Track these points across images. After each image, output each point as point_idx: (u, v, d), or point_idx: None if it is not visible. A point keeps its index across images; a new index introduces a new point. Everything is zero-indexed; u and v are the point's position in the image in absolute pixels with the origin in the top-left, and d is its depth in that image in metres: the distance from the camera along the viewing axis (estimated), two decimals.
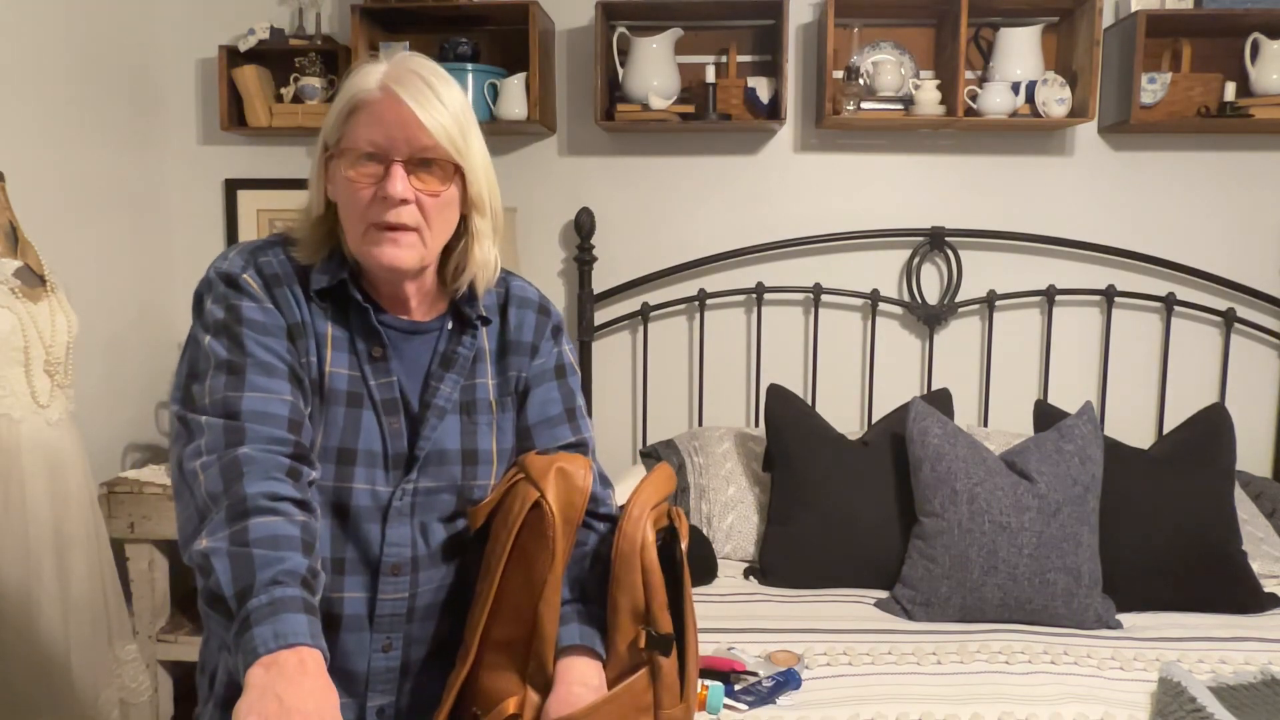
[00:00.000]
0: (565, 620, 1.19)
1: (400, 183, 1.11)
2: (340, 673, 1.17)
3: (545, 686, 1.16)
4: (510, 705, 1.15)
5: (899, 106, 2.69)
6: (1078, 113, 2.61)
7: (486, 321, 1.26)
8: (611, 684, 1.17)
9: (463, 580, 1.24)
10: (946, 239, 2.81)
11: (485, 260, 1.22)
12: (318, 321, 1.18)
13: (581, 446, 1.29)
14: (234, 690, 1.08)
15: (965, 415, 2.81)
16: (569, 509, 1.15)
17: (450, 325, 1.25)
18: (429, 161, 1.13)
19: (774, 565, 2.30)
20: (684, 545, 1.20)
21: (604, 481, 1.30)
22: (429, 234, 1.16)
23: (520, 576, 1.15)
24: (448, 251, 1.22)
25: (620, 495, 1.29)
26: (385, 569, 1.18)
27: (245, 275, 1.16)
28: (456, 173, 1.16)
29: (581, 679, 1.15)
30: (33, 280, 2.02)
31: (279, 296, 1.16)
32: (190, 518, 1.05)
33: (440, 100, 1.13)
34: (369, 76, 1.14)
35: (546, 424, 1.28)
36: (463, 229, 1.21)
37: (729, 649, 1.91)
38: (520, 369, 1.28)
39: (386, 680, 1.21)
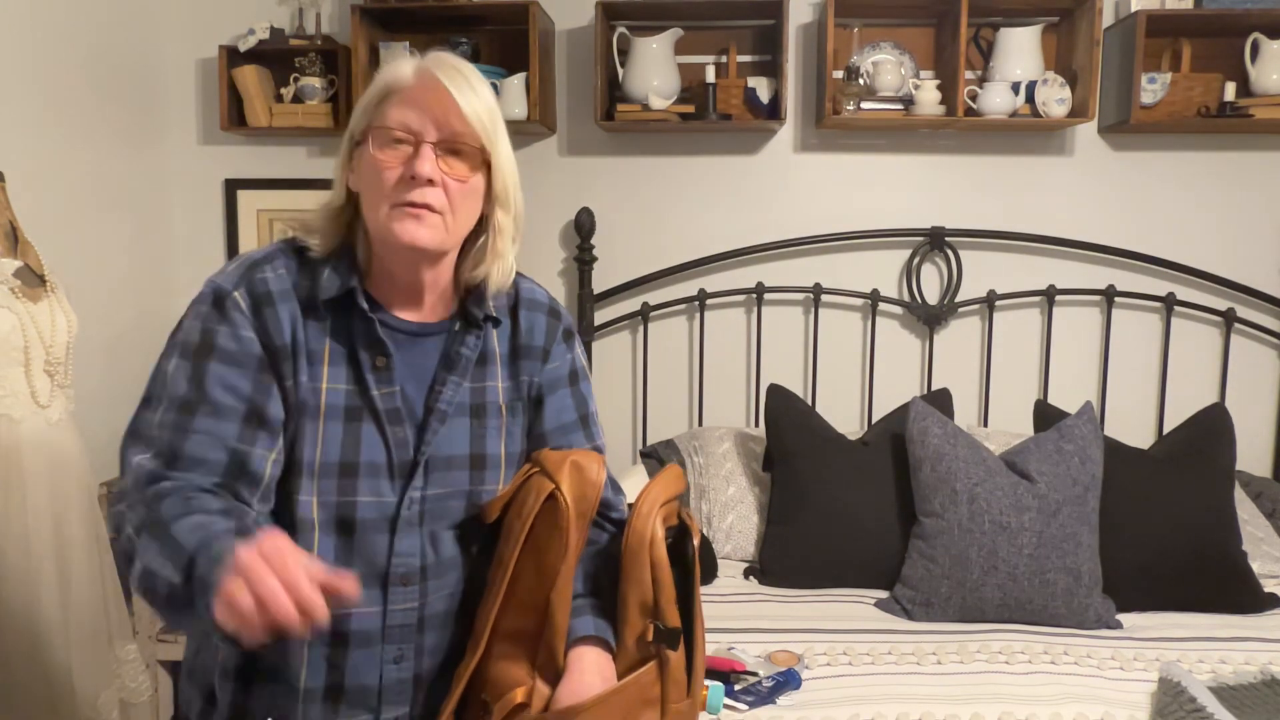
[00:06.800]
0: (578, 613, 1.19)
1: (428, 163, 1.12)
2: (353, 688, 1.17)
3: (555, 677, 1.16)
4: (518, 694, 1.15)
5: (899, 106, 2.69)
6: (1078, 113, 2.61)
7: (497, 323, 1.25)
8: (619, 677, 1.17)
9: (472, 588, 1.23)
10: (946, 239, 2.81)
11: (504, 257, 1.21)
12: (312, 338, 1.16)
13: (595, 452, 1.29)
14: (238, 710, 1.10)
15: (965, 415, 2.81)
16: (582, 502, 1.16)
17: (457, 326, 1.23)
18: (459, 149, 1.14)
19: (774, 565, 2.30)
20: (696, 542, 1.21)
21: (615, 488, 1.30)
22: (452, 219, 1.15)
23: (533, 567, 1.16)
24: (465, 246, 1.21)
25: (626, 495, 1.30)
26: (394, 580, 1.17)
27: (236, 293, 1.14)
28: (484, 162, 1.16)
29: (593, 669, 1.16)
30: (33, 280, 2.02)
31: (267, 317, 1.14)
32: (130, 560, 1.05)
33: (474, 90, 1.14)
34: (402, 67, 1.16)
35: (561, 431, 1.29)
36: (484, 224, 1.20)
37: (729, 649, 1.91)
38: (532, 374, 1.28)
39: (399, 692, 1.20)
